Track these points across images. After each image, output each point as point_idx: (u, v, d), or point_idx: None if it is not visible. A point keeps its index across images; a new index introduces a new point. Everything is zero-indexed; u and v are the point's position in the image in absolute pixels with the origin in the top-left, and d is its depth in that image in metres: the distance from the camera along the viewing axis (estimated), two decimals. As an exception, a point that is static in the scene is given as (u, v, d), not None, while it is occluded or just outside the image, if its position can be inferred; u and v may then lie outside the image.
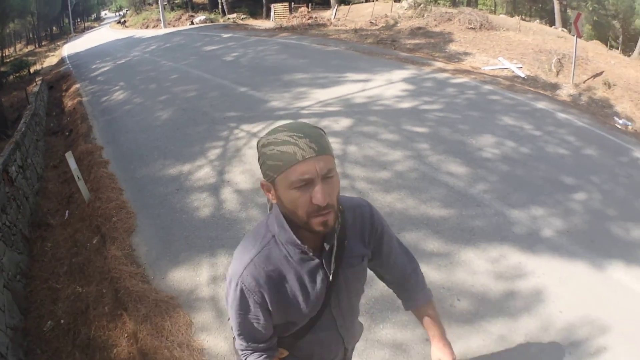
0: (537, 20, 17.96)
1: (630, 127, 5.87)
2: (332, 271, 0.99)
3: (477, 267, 2.55)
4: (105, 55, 12.14)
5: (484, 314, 2.23)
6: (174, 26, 19.69)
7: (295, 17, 16.08)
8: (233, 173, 3.94)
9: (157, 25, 20.96)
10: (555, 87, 7.16)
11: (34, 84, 9.19)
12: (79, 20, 40.39)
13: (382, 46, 9.62)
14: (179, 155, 4.44)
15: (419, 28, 11.10)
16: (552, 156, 4.03)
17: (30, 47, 28.90)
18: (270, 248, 0.95)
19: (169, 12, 23.63)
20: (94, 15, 46.31)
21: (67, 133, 6.38)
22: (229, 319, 1.13)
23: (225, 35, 12.77)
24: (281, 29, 13.70)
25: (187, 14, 21.91)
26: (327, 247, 0.96)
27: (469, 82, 6.39)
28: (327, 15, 17.02)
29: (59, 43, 25.04)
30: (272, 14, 19.40)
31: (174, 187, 3.84)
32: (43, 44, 29.36)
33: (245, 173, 3.90)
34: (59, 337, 2.58)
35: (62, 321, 2.67)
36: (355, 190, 3.43)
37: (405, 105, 5.32)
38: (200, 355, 2.16)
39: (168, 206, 3.55)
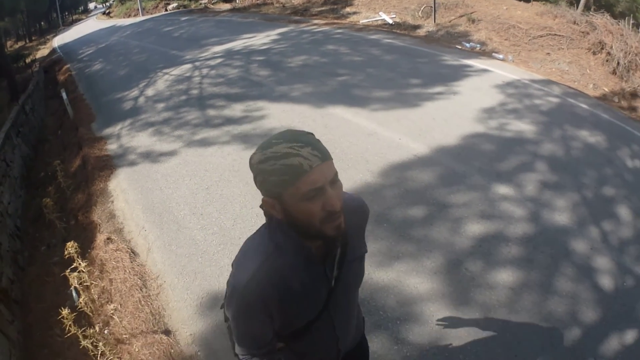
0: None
1: (477, 48, 8.17)
2: (334, 277, 1.00)
3: (237, 110, 5.56)
4: (90, 42, 15.27)
5: (230, 124, 5.24)
6: (150, 14, 22.64)
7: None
8: (147, 90, 7.22)
9: (137, 14, 23.88)
10: (416, 27, 9.69)
11: (34, 66, 12.42)
12: (67, 13, 41.05)
13: (294, 15, 12.71)
14: (125, 88, 7.65)
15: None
16: (344, 62, 7.11)
17: (20, 44, 29.31)
18: (274, 258, 0.94)
19: (149, 1, 26.44)
20: (81, 8, 47.06)
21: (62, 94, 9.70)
22: (227, 322, 1.14)
23: (183, 19, 15.88)
24: (233, 10, 16.66)
25: (163, 1, 24.77)
26: (331, 253, 0.98)
27: (329, 30, 9.59)
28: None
29: (48, 37, 26.54)
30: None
31: (116, 101, 7.14)
32: (33, 39, 30.27)
33: (154, 90, 7.15)
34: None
35: (55, 162, 5.78)
36: (197, 86, 6.69)
37: (263, 47, 8.59)
38: (105, 148, 5.37)
39: (112, 109, 6.75)
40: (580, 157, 4.02)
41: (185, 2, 23.74)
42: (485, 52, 8.17)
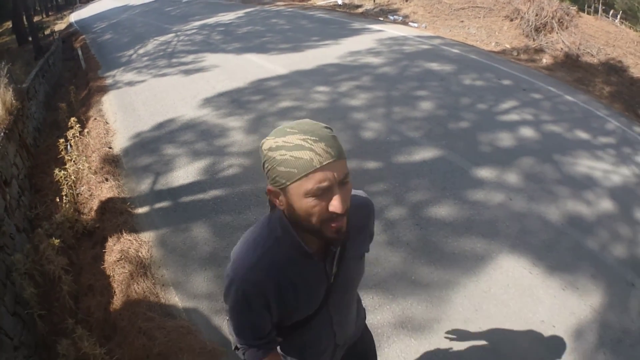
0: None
1: (399, 20, 10.09)
2: (333, 273, 1.00)
3: (190, 58, 8.14)
4: (103, 19, 17.97)
5: (181, 65, 7.83)
6: (159, -5, 25.31)
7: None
8: (140, 50, 9.81)
9: (148, -4, 26.50)
10: (358, 7, 11.96)
11: (54, 36, 15.15)
12: None
13: None
14: (125, 50, 10.21)
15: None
16: (275, 29, 9.57)
17: (37, 18, 29.48)
18: (273, 252, 0.93)
19: (159, -15, 29.03)
20: None
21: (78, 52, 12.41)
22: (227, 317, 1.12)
23: (184, 1, 18.45)
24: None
25: (172, -15, 27.31)
26: (333, 250, 0.97)
27: (283, 9, 12.06)
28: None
29: (65, 13, 28.23)
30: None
31: (117, 57, 9.75)
32: (50, 14, 31.16)
33: (144, 49, 9.73)
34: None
35: (70, 87, 8.59)
36: (172, 47, 9.25)
37: (228, 21, 11.09)
38: (104, 82, 8.03)
39: (113, 62, 9.30)
40: (409, 75, 6.07)
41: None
42: (404, 22, 10.36)
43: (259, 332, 1.03)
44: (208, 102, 5.65)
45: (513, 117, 5.06)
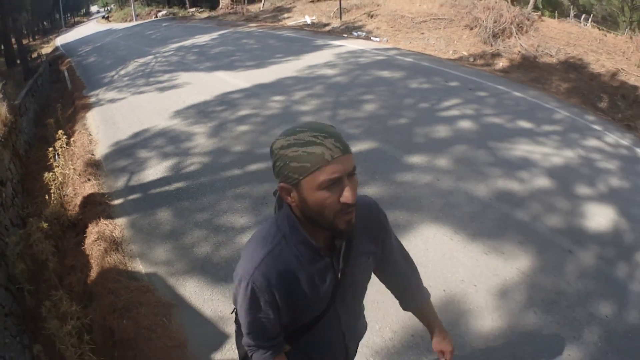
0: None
1: (363, 36, 11.04)
2: (340, 270, 1.02)
3: (165, 77, 9.00)
4: (88, 42, 18.81)
5: (157, 84, 8.70)
6: (143, 19, 26.25)
7: (220, 9, 22.31)
8: (121, 71, 10.61)
9: (131, 19, 27.52)
10: (326, 25, 12.97)
11: (40, 59, 15.93)
12: (69, 15, 42.22)
13: (246, 21, 16.08)
14: (108, 71, 10.99)
15: (279, 7, 17.42)
16: (244, 49, 10.46)
17: (25, 42, 29.78)
18: (281, 248, 0.97)
19: (144, 8, 30.16)
20: (83, 10, 48.90)
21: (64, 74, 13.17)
22: (234, 313, 1.20)
23: (164, 24, 19.42)
24: (208, 17, 20.10)
25: (155, 9, 28.42)
26: (338, 245, 0.99)
27: (254, 30, 13.17)
28: (256, 6, 22.59)
29: (51, 37, 28.86)
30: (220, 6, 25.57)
31: (100, 78, 10.53)
32: (36, 38, 32.00)
33: (125, 71, 10.54)
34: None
35: (57, 105, 9.32)
36: (150, 67, 10.08)
37: (203, 43, 11.98)
38: (89, 100, 8.82)
39: (96, 82, 10.03)
40: (359, 83, 6.89)
41: (175, 10, 27.39)
42: (367, 37, 11.30)
43: (268, 332, 1.04)
44: (178, 113, 6.43)
45: (453, 112, 5.74)
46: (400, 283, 1.26)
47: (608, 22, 14.05)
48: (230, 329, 2.60)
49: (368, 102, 6.14)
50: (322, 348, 1.16)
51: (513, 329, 2.61)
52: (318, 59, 8.57)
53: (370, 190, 3.93)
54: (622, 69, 8.99)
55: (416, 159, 4.47)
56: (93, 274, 3.46)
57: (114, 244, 3.72)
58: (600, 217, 3.72)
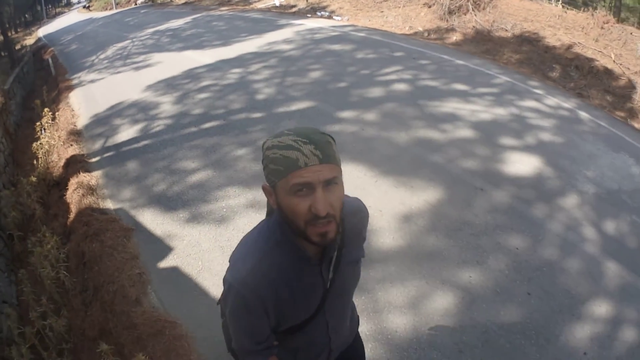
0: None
1: (325, 15, 11.56)
2: (329, 279, 1.03)
3: (141, 58, 9.72)
4: (70, 32, 19.27)
5: (134, 64, 9.49)
6: (122, 7, 26.51)
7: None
8: (100, 56, 11.32)
9: (112, 8, 27.75)
10: (293, 6, 13.57)
11: (25, 49, 16.48)
12: (50, 6, 41.51)
13: (219, 5, 16.62)
14: (88, 56, 11.65)
15: (252, -11, 17.92)
16: (213, 30, 11.19)
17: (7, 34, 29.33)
18: (272, 255, 0.97)
19: (124, -4, 30.29)
20: (64, 1, 47.63)
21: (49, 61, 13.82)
22: (222, 317, 1.23)
23: (142, 11, 19.89)
24: (185, 4, 20.53)
25: (135, -4, 28.63)
26: (328, 255, 0.99)
27: (225, 14, 13.78)
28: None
29: (33, 29, 28.83)
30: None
31: (81, 63, 11.23)
32: (19, 30, 31.46)
33: (104, 55, 11.25)
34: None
35: (43, 88, 10.07)
36: (128, 51, 10.81)
37: (177, 27, 12.65)
38: (71, 82, 9.58)
39: (78, 67, 10.68)
40: (310, 55, 7.72)
41: (155, -4, 27.61)
42: (330, 17, 12.00)
43: (257, 337, 1.04)
44: (149, 87, 7.25)
45: (391, 77, 6.46)
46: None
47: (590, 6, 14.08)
48: (174, 243, 3.41)
49: (314, 70, 6.97)
50: (307, 350, 1.17)
51: (412, 248, 2.93)
52: (278, 37, 9.33)
53: (300, 136, 4.80)
54: (579, 42, 9.17)
55: (347, 114, 5.26)
56: (72, 215, 4.26)
57: (90, 190, 4.58)
58: (521, 165, 4.07)
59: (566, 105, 5.90)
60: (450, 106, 5.24)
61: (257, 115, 5.44)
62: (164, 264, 3.22)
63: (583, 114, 5.69)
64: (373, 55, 7.73)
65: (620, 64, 8.25)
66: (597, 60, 8.33)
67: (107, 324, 2.94)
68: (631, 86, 7.54)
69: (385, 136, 4.57)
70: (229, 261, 1.03)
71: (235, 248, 1.04)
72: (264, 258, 0.97)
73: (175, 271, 3.13)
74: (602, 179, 4.16)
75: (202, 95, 6.35)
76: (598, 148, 4.73)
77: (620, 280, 3.02)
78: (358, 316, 1.38)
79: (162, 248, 3.39)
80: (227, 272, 1.01)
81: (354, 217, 1.07)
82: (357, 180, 3.67)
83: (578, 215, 3.59)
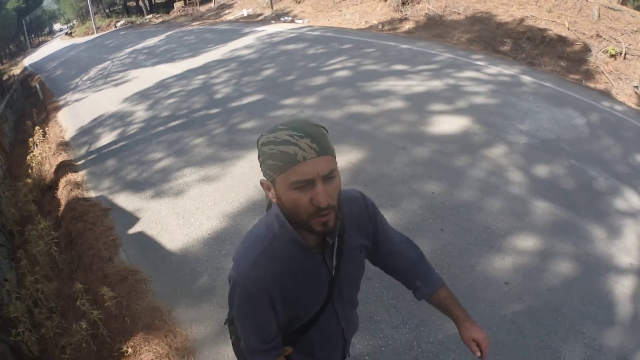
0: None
1: (288, 20, 12.88)
2: (334, 266, 1.04)
3: (119, 76, 10.76)
4: (54, 59, 20.24)
5: (114, 82, 10.45)
6: (103, 31, 27.51)
7: (173, 12, 23.68)
8: (83, 77, 12.28)
9: (93, 32, 28.73)
10: (259, 15, 14.68)
11: (13, 78, 17.45)
12: (33, 35, 42.39)
13: (192, 21, 17.62)
14: (72, 79, 12.56)
15: (222, 4, 18.91)
16: (184, 44, 12.18)
17: None
18: (273, 248, 0.98)
19: (104, 20, 31.32)
20: (47, 29, 49.04)
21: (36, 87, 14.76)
22: (227, 320, 1.22)
23: (121, 33, 20.88)
24: (162, 22, 21.51)
25: (114, 20, 29.65)
26: (330, 242, 1.00)
27: (195, 28, 14.92)
28: (207, 7, 23.56)
29: (18, 59, 29.72)
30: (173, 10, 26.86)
31: (66, 86, 12.18)
32: (4, 62, 32.82)
33: (87, 76, 12.22)
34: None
35: (33, 110, 11.02)
36: (108, 70, 11.77)
37: (152, 45, 13.63)
38: (58, 104, 10.53)
39: (63, 89, 11.65)
40: (266, 57, 8.67)
41: (133, 18, 28.52)
42: (292, 21, 12.98)
43: (265, 335, 1.05)
44: (126, 99, 8.19)
45: (335, 66, 7.35)
46: (407, 269, 1.22)
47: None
48: (141, 214, 4.20)
49: (268, 69, 7.92)
50: (323, 345, 1.17)
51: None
52: (240, 44, 10.30)
53: (249, 124, 5.73)
54: (531, 15, 9.38)
55: (289, 101, 6.17)
56: (62, 207, 5.15)
57: (76, 185, 5.47)
58: (448, 125, 4.47)
59: (508, 72, 6.36)
60: (387, 84, 5.94)
61: (214, 111, 6.36)
62: (132, 230, 3.98)
63: (526, 78, 6.14)
64: (323, 50, 8.66)
65: (575, 30, 8.44)
66: (550, 30, 8.59)
67: (87, 280, 3.83)
68: (586, 50, 7.88)
69: (320, 115, 5.36)
70: (233, 259, 1.04)
71: (238, 245, 1.05)
72: (265, 252, 0.98)
73: (140, 234, 3.96)
74: (537, 130, 4.45)
75: (170, 101, 7.28)
76: (538, 105, 5.13)
77: (552, 217, 3.23)
78: (357, 314, 1.35)
79: (132, 219, 4.18)
80: (231, 269, 1.02)
81: (351, 204, 1.09)
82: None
83: (504, 162, 3.88)
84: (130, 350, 2.68)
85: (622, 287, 2.79)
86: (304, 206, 0.89)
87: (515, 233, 3.05)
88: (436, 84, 5.70)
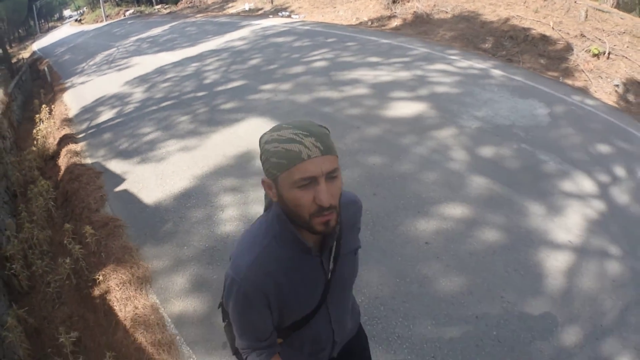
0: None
1: (286, 15, 13.44)
2: (330, 269, 1.05)
3: (124, 62, 11.51)
4: (63, 44, 21.07)
5: (118, 67, 11.24)
6: (112, 19, 28.34)
7: (181, 3, 24.40)
8: (90, 62, 13.06)
9: (102, 20, 29.53)
10: (260, 9, 15.41)
11: (22, 61, 18.30)
12: (43, 21, 42.43)
13: (197, 13, 18.35)
14: (79, 64, 13.33)
15: (227, -1, 19.62)
16: (186, 34, 12.92)
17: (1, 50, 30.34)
18: (271, 248, 0.98)
19: (114, 8, 32.12)
20: (56, 15, 49.46)
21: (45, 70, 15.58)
22: (224, 320, 1.21)
23: (129, 22, 21.66)
24: (169, 13, 22.26)
25: (123, 9, 30.45)
26: (329, 245, 1.01)
27: (197, 20, 15.48)
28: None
29: (27, 43, 30.32)
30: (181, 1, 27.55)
31: (73, 70, 12.97)
32: (13, 45, 32.90)
33: (93, 61, 13.00)
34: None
35: (40, 90, 11.83)
36: (113, 57, 12.55)
37: (156, 34, 14.36)
38: (64, 86, 11.33)
39: (71, 73, 12.46)
40: (256, 48, 9.38)
41: (142, 8, 29.24)
42: (289, 16, 13.62)
43: (260, 333, 1.06)
44: (127, 82, 8.95)
45: (315, 57, 7.99)
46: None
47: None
48: (127, 176, 4.92)
49: (255, 59, 8.65)
50: (313, 343, 1.18)
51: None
52: (236, 36, 11.03)
53: (229, 105, 6.43)
54: (517, 15, 9.32)
55: (267, 87, 6.83)
56: (62, 172, 5.96)
57: (75, 154, 6.23)
58: (404, 109, 4.86)
59: (479, 66, 6.67)
60: (357, 74, 6.49)
61: (201, 94, 7.11)
62: (118, 188, 4.67)
63: (496, 72, 6.42)
64: (309, 43, 9.33)
65: (560, 30, 8.47)
66: (534, 29, 8.64)
67: (76, 227, 4.58)
68: (568, 48, 7.85)
69: (291, 99, 6.00)
70: (230, 258, 1.04)
71: (236, 244, 1.05)
72: (263, 252, 0.98)
73: (125, 192, 4.68)
74: (493, 117, 4.64)
75: (165, 84, 8.04)
76: (500, 96, 5.30)
77: (488, 192, 3.37)
78: (359, 307, 1.37)
79: (119, 180, 4.96)
80: (228, 268, 1.02)
81: (349, 208, 1.10)
82: (260, 129, 5.26)
83: (450, 142, 4.11)
84: (100, 277, 3.36)
85: (556, 261, 2.84)
86: (306, 205, 0.89)
87: (445, 202, 3.22)
88: (404, 74, 6.15)
